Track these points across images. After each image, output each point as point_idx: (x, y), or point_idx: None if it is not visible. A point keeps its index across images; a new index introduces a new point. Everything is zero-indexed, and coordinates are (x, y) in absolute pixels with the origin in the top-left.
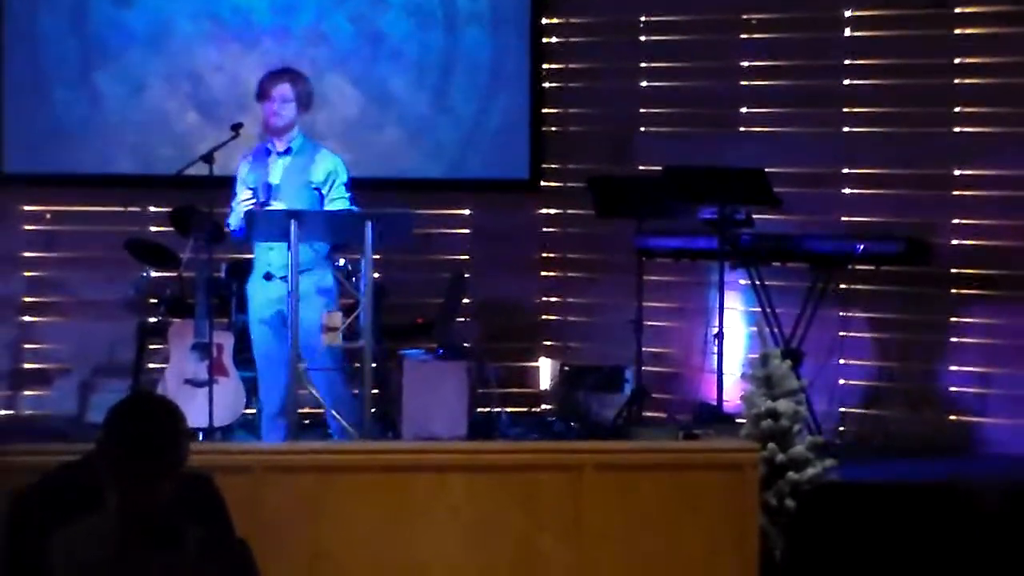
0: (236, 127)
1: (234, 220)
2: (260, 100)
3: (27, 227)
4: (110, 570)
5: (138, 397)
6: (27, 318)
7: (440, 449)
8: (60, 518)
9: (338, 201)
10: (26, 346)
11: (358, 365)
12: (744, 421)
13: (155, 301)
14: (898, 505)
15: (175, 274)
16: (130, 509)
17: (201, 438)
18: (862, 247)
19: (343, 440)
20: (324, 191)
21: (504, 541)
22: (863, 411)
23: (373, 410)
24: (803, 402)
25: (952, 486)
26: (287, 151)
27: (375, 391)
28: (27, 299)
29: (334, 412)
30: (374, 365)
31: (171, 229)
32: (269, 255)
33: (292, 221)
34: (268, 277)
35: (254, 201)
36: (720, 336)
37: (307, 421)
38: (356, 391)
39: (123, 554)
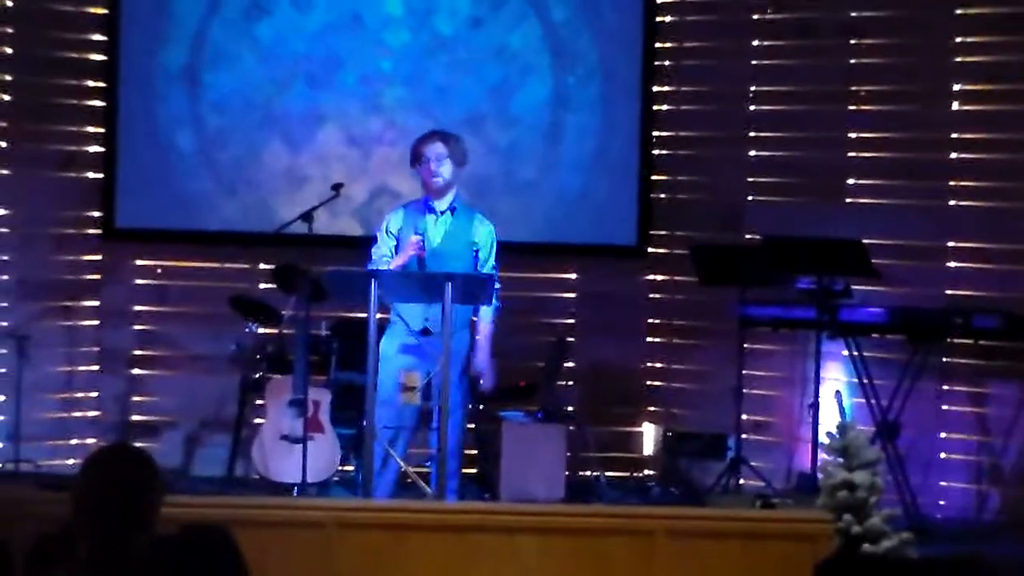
0: (337, 187)
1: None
2: (416, 164)
3: (138, 281)
4: None
5: (112, 448)
6: (136, 371)
7: (511, 511)
8: (38, 568)
9: (490, 271)
10: (135, 398)
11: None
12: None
13: (258, 357)
14: None
15: (277, 331)
16: (99, 560)
17: (295, 493)
18: (960, 321)
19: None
20: (482, 254)
21: None
22: (963, 485)
23: (475, 471)
24: (879, 474)
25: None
26: (451, 210)
27: (474, 451)
28: (137, 352)
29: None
30: (472, 426)
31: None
32: (429, 311)
33: (372, 280)
34: (427, 332)
35: (422, 242)
36: (816, 406)
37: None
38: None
39: None
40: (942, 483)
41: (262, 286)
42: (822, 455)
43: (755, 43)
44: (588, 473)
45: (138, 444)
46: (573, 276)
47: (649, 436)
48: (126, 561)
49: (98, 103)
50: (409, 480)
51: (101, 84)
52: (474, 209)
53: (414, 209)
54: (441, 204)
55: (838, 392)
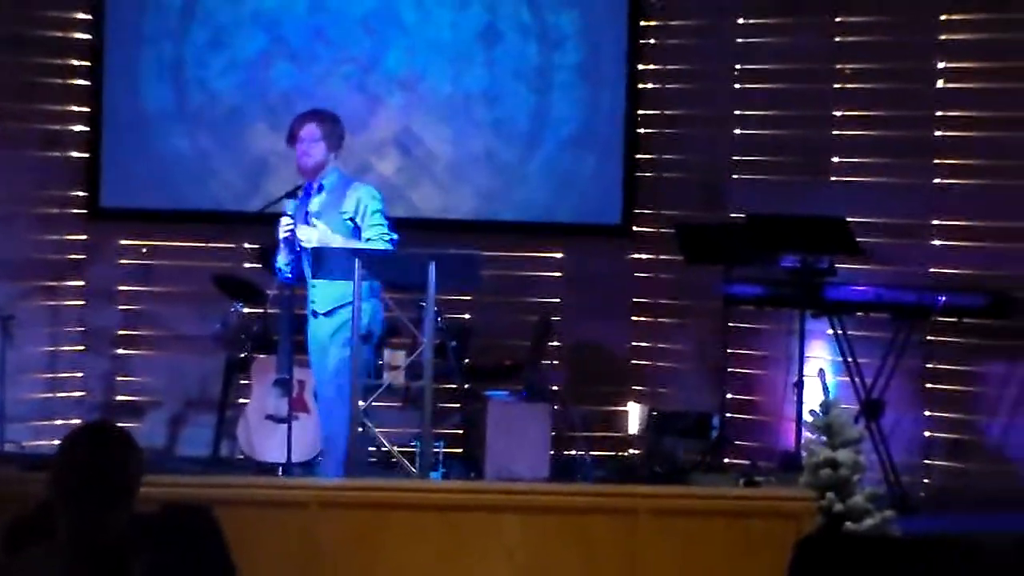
0: None
1: (281, 260)
2: (290, 143)
3: (123, 261)
4: None
5: (91, 426)
6: (121, 351)
7: (495, 490)
8: (17, 548)
9: (374, 228)
10: (119, 378)
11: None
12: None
13: (243, 336)
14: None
15: (262, 310)
16: (78, 539)
17: (280, 473)
18: (943, 299)
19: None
20: (358, 220)
21: None
22: (947, 464)
23: (460, 450)
24: (862, 452)
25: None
26: (320, 188)
27: (460, 431)
28: (121, 332)
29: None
30: (459, 405)
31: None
32: (312, 292)
33: (356, 259)
34: (313, 315)
35: (292, 226)
36: (800, 384)
37: (373, 460)
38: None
39: None
40: (926, 461)
41: (247, 265)
42: (806, 433)
43: (740, 21)
44: (573, 452)
45: (123, 424)
46: (558, 255)
47: (634, 415)
48: (104, 540)
49: (83, 82)
50: (393, 459)
51: (86, 63)
52: (351, 179)
53: (299, 202)
54: (315, 184)
55: (821, 370)
